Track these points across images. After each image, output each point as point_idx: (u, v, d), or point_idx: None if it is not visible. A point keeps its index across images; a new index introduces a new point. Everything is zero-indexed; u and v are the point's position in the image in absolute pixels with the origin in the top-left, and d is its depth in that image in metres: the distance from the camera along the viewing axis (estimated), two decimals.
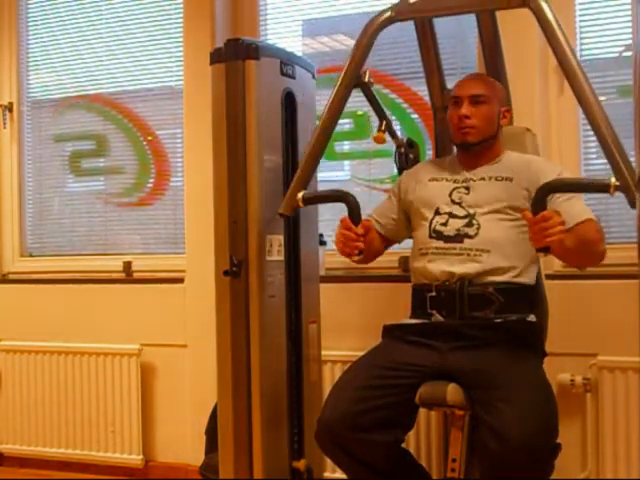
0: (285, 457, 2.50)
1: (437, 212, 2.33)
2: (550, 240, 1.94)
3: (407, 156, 2.70)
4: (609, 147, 1.98)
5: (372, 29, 2.32)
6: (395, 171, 2.77)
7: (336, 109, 2.34)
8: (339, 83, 2.34)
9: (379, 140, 2.63)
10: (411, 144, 2.73)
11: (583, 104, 2.05)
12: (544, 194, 1.99)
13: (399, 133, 2.76)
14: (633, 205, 1.89)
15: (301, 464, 2.51)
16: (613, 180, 1.93)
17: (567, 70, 2.08)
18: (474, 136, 2.32)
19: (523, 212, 2.03)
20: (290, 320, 2.53)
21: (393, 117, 2.74)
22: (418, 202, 2.39)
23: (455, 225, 2.28)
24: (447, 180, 2.38)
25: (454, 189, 2.34)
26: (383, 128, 2.63)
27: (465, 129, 2.31)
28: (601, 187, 2.00)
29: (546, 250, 1.99)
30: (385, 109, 2.65)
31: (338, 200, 2.32)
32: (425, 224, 2.34)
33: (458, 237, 2.27)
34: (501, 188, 2.28)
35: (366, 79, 2.50)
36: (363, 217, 2.28)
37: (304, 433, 2.54)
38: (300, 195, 2.32)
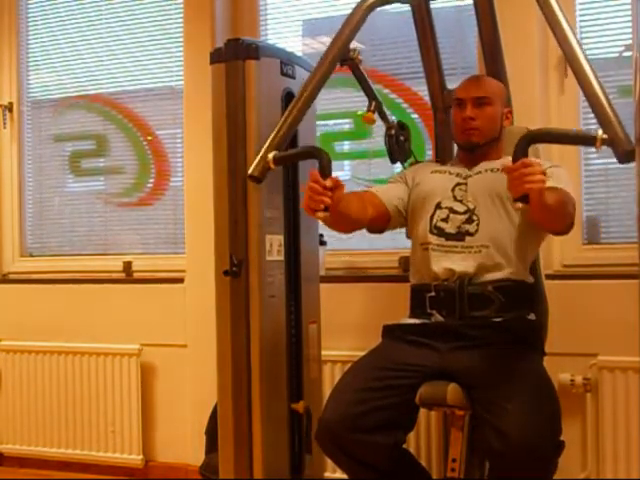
0: (285, 457, 2.50)
1: (438, 206, 2.32)
2: (529, 187, 1.82)
3: (397, 138, 2.66)
4: (598, 100, 1.89)
5: (365, 5, 2.28)
6: (395, 171, 2.77)
7: (319, 82, 2.27)
8: (324, 56, 2.29)
9: (368, 120, 2.59)
10: (402, 126, 2.69)
11: (570, 60, 1.98)
12: (527, 142, 1.89)
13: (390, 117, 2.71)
14: (621, 159, 1.81)
15: (299, 406, 2.50)
16: (600, 132, 1.84)
17: (555, 29, 2.01)
18: (478, 137, 2.32)
19: (504, 166, 1.92)
20: (290, 320, 2.53)
21: (393, 117, 2.73)
22: (420, 194, 2.38)
23: (456, 222, 2.28)
24: (450, 173, 2.38)
25: (456, 185, 2.33)
26: (372, 108, 2.60)
27: (469, 130, 2.31)
28: (587, 139, 1.90)
29: (524, 200, 1.86)
30: (374, 89, 2.62)
31: (310, 156, 2.22)
32: (426, 217, 2.33)
33: (459, 235, 2.27)
34: (496, 179, 2.26)
35: (355, 56, 2.47)
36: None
37: (304, 433, 2.54)
38: (271, 155, 2.21)
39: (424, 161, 2.69)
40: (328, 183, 2.00)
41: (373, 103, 2.60)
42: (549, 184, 1.96)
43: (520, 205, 1.86)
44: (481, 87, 2.35)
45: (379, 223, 2.40)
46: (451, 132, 2.42)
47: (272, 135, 2.24)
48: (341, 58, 2.39)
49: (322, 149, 2.18)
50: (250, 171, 2.23)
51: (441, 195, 2.33)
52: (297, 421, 2.53)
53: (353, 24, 2.29)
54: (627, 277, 2.42)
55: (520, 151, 1.86)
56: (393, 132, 2.66)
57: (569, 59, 1.98)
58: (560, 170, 2.27)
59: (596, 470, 2.69)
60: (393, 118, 2.71)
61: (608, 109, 1.86)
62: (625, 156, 1.80)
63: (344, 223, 2.29)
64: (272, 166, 2.21)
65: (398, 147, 2.65)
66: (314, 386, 2.65)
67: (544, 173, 1.85)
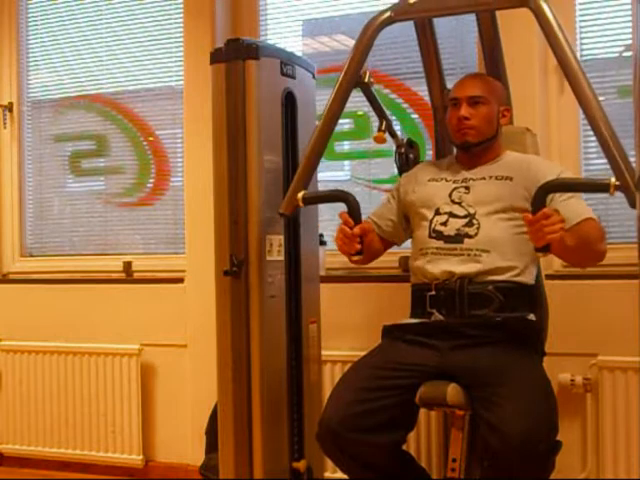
0: (285, 457, 2.50)
1: (437, 212, 2.33)
2: (550, 238, 1.94)
3: (407, 156, 2.70)
4: (609, 147, 1.97)
5: (372, 29, 2.32)
6: (395, 171, 2.77)
7: (336, 109, 2.34)
8: (339, 83, 2.34)
9: (379, 140, 2.64)
10: (411, 144, 2.73)
11: (583, 104, 2.04)
12: (544, 193, 1.99)
13: (399, 133, 2.76)
14: (633, 205, 1.89)
15: (301, 465, 2.50)
16: (613, 180, 1.93)
17: (567, 70, 2.08)
18: (473, 136, 2.32)
19: (523, 214, 2.03)
20: (290, 320, 2.53)
21: (393, 117, 2.73)
22: (418, 202, 2.39)
23: (455, 225, 2.28)
24: (447, 180, 2.38)
25: (454, 189, 2.34)
26: (383, 128, 2.64)
27: (464, 130, 2.32)
28: (601, 187, 2.00)
29: (546, 249, 1.98)
30: (385, 109, 2.66)
31: (338, 200, 2.32)
32: (425, 224, 2.34)
33: (458, 237, 2.27)
34: (501, 187, 2.28)
35: (366, 79, 2.51)
36: (363, 218, 2.28)
37: (304, 433, 2.54)
38: (300, 195, 2.32)
39: (420, 162, 2.69)
40: (356, 231, 2.18)
41: (384, 123, 2.64)
42: (569, 221, 2.08)
43: (542, 255, 2.05)
44: (476, 86, 2.35)
45: (388, 246, 2.54)
46: (447, 133, 2.43)
47: (298, 172, 2.36)
48: (355, 82, 2.42)
49: (350, 194, 2.29)
50: (281, 210, 2.37)
51: (439, 201, 2.34)
52: (297, 421, 2.53)
53: (362, 48, 2.34)
54: (627, 277, 2.43)
55: (538, 202, 1.98)
56: (403, 150, 2.70)
57: (583, 106, 2.05)
58: (573, 200, 2.23)
59: (596, 470, 2.70)
60: (403, 136, 2.76)
61: (618, 156, 1.95)
62: (635, 203, 1.88)
63: (372, 259, 2.49)
64: (301, 205, 2.34)
65: (407, 165, 2.69)
66: (314, 387, 2.65)
67: (563, 221, 1.96)
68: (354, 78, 2.37)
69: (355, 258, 2.23)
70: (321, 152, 2.37)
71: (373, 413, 2.13)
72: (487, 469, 2.06)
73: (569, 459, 2.65)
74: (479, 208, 2.28)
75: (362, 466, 2.18)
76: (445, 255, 2.27)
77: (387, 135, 2.66)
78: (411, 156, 2.71)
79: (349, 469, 2.22)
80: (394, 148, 2.72)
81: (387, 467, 2.20)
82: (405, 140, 2.72)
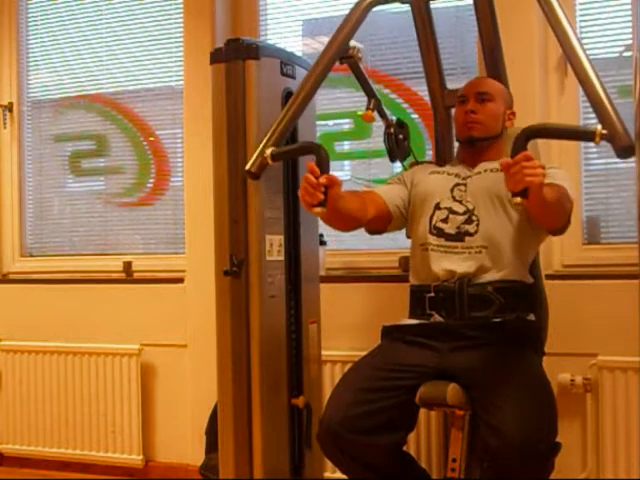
0: (285, 457, 2.50)
1: (437, 207, 2.32)
2: (531, 180, 1.79)
3: (397, 136, 2.66)
4: (597, 96, 1.89)
5: (365, 4, 2.29)
6: (395, 171, 2.77)
7: (317, 79, 2.30)
8: (323, 53, 2.31)
9: (367, 118, 2.59)
10: (401, 124, 2.68)
11: (570, 58, 1.98)
12: (525, 137, 1.86)
13: (388, 114, 2.70)
14: (620, 154, 1.81)
15: (300, 401, 2.50)
16: (599, 128, 1.84)
17: (556, 27, 2.01)
18: (479, 131, 2.32)
19: (501, 161, 1.87)
20: (290, 320, 2.53)
21: (392, 116, 2.73)
22: (419, 195, 2.38)
23: (455, 222, 2.28)
24: (448, 174, 2.38)
25: (455, 185, 2.33)
26: (372, 106, 2.60)
27: (470, 124, 2.32)
28: (586, 134, 1.91)
29: (524, 195, 1.82)
30: (374, 87, 2.62)
31: (308, 152, 2.22)
32: (425, 219, 2.33)
33: (459, 235, 2.27)
34: (495, 178, 2.26)
35: (354, 53, 2.47)
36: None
37: (304, 428, 2.54)
38: (269, 151, 2.23)
39: (423, 162, 2.69)
40: (322, 180, 2.00)
41: (372, 101, 2.60)
42: (547, 181, 1.94)
43: (519, 200, 1.83)
44: (484, 84, 2.38)
45: (379, 223, 2.40)
46: (453, 131, 2.43)
47: (270, 131, 2.26)
48: (340, 56, 2.39)
49: (320, 145, 2.19)
50: (248, 167, 2.25)
51: (440, 196, 2.33)
52: (297, 421, 2.53)
53: (352, 22, 2.31)
54: (627, 277, 2.43)
55: (519, 146, 1.83)
56: (392, 130, 2.66)
57: (569, 57, 1.98)
58: (558, 170, 2.27)
59: (596, 470, 2.69)
60: (392, 117, 2.71)
61: (607, 105, 1.86)
62: (624, 151, 1.80)
63: (342, 221, 2.27)
64: (270, 162, 2.22)
65: (397, 146, 2.65)
66: (314, 386, 2.65)
67: (543, 167, 1.83)
68: (339, 51, 2.34)
69: (317, 210, 2.03)
70: (297, 116, 2.30)
71: (373, 414, 2.12)
72: (487, 470, 2.06)
73: (569, 459, 2.65)
74: (477, 201, 2.27)
75: (362, 467, 2.17)
76: (445, 253, 2.27)
77: (376, 114, 2.61)
78: (400, 136, 2.66)
79: (349, 470, 2.22)
80: (383, 128, 2.68)
81: (387, 468, 2.20)
82: (394, 120, 2.69)
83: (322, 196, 2.01)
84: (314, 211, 2.03)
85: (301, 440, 2.54)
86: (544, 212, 2.08)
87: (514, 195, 1.83)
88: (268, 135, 2.26)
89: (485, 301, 2.22)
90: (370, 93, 2.60)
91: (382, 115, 2.66)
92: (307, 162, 2.08)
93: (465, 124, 2.33)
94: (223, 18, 3.29)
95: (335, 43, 2.31)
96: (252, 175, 2.27)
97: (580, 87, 1.98)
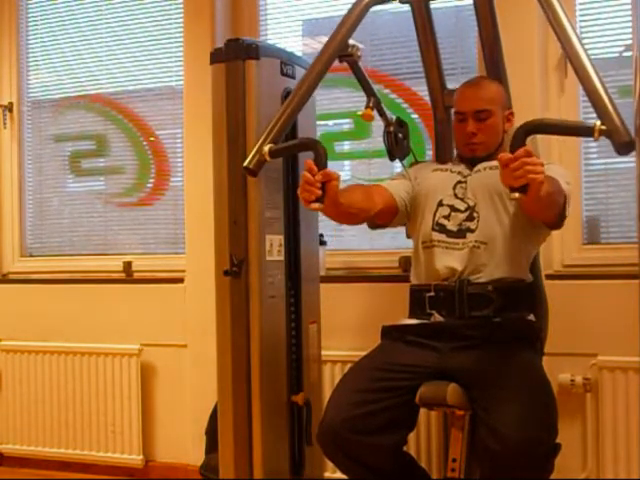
0: (285, 457, 2.50)
1: (440, 204, 2.32)
2: (532, 177, 1.77)
3: (396, 135, 2.65)
4: (596, 92, 1.89)
5: (364, 3, 2.29)
6: (395, 171, 2.77)
7: (315, 77, 2.29)
8: (322, 51, 2.31)
9: (367, 117, 2.59)
10: (400, 123, 2.68)
11: (570, 55, 1.97)
12: (524, 133, 1.84)
13: (388, 112, 2.70)
14: (620, 150, 1.81)
15: (299, 398, 2.50)
16: (598, 123, 1.83)
17: (557, 28, 2.01)
18: (482, 150, 2.33)
19: (500, 155, 1.84)
20: (290, 320, 2.53)
21: (392, 115, 2.73)
22: (422, 192, 2.38)
23: (457, 219, 2.28)
24: (451, 172, 2.38)
25: (457, 182, 2.33)
26: (371, 105, 2.59)
27: (472, 146, 2.32)
28: (585, 130, 1.89)
29: (523, 190, 1.80)
30: (372, 86, 2.62)
31: (306, 149, 2.22)
32: (429, 215, 2.33)
33: (461, 232, 2.27)
34: (495, 175, 2.24)
35: (353, 52, 2.46)
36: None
37: (304, 424, 2.54)
38: (267, 148, 2.22)
39: (424, 161, 2.69)
40: (318, 177, 1.99)
41: (372, 100, 2.59)
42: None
43: (517, 195, 1.82)
44: (480, 98, 2.32)
45: (385, 217, 2.38)
46: (453, 139, 2.43)
47: (268, 128, 2.26)
48: (339, 54, 2.38)
49: (317, 141, 2.18)
50: (245, 163, 2.24)
51: (442, 193, 2.33)
52: (297, 421, 2.53)
53: (351, 21, 2.31)
54: (627, 277, 2.42)
55: (518, 141, 1.81)
56: (392, 129, 2.65)
57: (568, 54, 1.98)
58: (555, 165, 2.26)
59: (596, 470, 2.69)
60: (392, 115, 2.71)
61: (607, 101, 1.85)
62: (623, 147, 1.79)
63: (348, 214, 2.23)
64: (267, 158, 2.21)
65: (397, 145, 2.65)
66: (314, 386, 2.65)
67: (542, 165, 1.81)
68: (338, 49, 2.34)
69: (315, 205, 2.02)
70: (295, 113, 2.29)
71: (374, 415, 2.13)
72: (486, 470, 2.06)
73: (569, 459, 2.65)
74: (478, 198, 2.27)
75: (362, 467, 2.17)
76: (447, 249, 2.27)
77: (376, 113, 2.61)
78: (400, 135, 2.65)
79: (349, 470, 2.22)
80: (383, 128, 2.67)
81: (388, 468, 2.20)
82: (394, 119, 2.68)
83: (319, 192, 2.00)
84: (312, 207, 2.02)
85: (301, 440, 2.54)
86: (536, 206, 2.07)
87: (512, 190, 1.81)
88: (266, 132, 2.25)
89: (485, 300, 2.22)
90: (369, 92, 2.60)
91: (381, 114, 2.66)
92: (305, 160, 2.07)
93: (466, 145, 2.33)
94: (223, 18, 3.29)
95: (334, 41, 2.31)
96: (250, 172, 2.26)
97: (580, 87, 1.98)
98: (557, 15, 2.01)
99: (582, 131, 1.98)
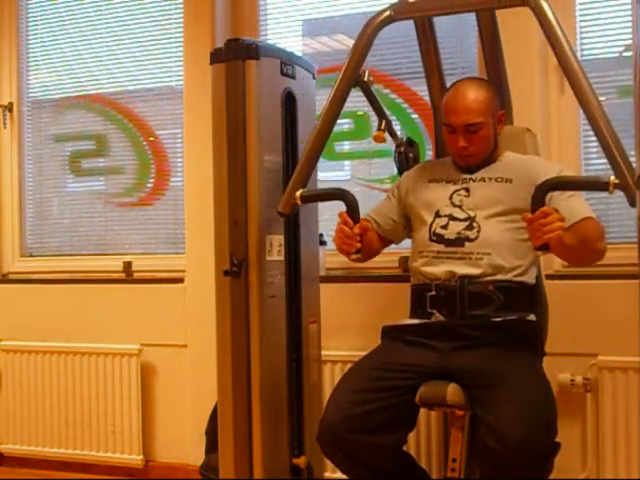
0: (285, 457, 2.50)
1: (437, 214, 2.32)
2: (548, 237, 1.94)
3: (407, 155, 2.70)
4: (609, 146, 1.97)
5: (371, 29, 2.31)
6: (395, 171, 2.77)
7: (335, 109, 2.34)
8: (338, 82, 2.34)
9: (379, 139, 2.63)
10: (411, 143, 2.73)
11: (583, 103, 2.04)
12: (543, 192, 1.99)
13: (399, 133, 2.76)
14: (633, 204, 1.88)
15: (301, 461, 2.50)
16: (612, 178, 1.93)
17: (567, 69, 2.07)
18: (476, 160, 2.32)
19: (523, 214, 2.02)
20: (290, 320, 2.53)
21: (393, 117, 2.73)
22: (418, 204, 2.39)
23: (455, 228, 2.28)
24: (447, 182, 2.37)
25: (454, 192, 2.33)
26: (383, 127, 2.63)
27: (465, 158, 2.32)
28: (600, 185, 2.00)
29: (545, 248, 1.98)
30: (385, 108, 2.65)
31: (336, 198, 2.32)
32: (425, 227, 2.33)
33: (459, 241, 2.26)
34: (501, 190, 2.28)
35: (365, 78, 2.50)
36: (362, 215, 2.28)
37: (304, 433, 2.54)
38: (298, 193, 2.31)
39: (421, 162, 2.69)
40: (356, 230, 2.18)
41: (383, 122, 2.64)
42: (569, 220, 2.07)
43: (541, 253, 2.06)
44: (470, 111, 2.26)
45: (386, 244, 2.53)
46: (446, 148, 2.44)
47: (297, 171, 2.35)
48: (355, 81, 2.42)
49: (348, 192, 2.29)
50: (280, 208, 2.35)
51: (439, 204, 2.33)
52: (297, 421, 2.54)
53: (361, 46, 2.33)
54: (627, 277, 2.43)
55: (538, 200, 1.98)
56: (402, 149, 2.70)
57: (584, 108, 2.05)
58: (573, 199, 2.22)
59: (596, 470, 2.70)
60: (402, 135, 2.75)
61: (618, 155, 1.95)
62: (635, 201, 1.85)
63: (370, 257, 2.48)
64: (299, 203, 2.33)
65: (407, 164, 2.68)
66: (314, 387, 2.65)
67: (562, 220, 1.95)
68: (353, 77, 2.37)
69: (354, 257, 2.25)
70: (320, 151, 2.37)
71: (374, 414, 2.13)
72: (486, 470, 2.06)
73: (569, 459, 2.65)
74: (479, 211, 2.27)
75: (362, 467, 2.17)
76: (446, 259, 2.27)
77: (387, 134, 2.66)
78: (411, 155, 2.71)
79: (349, 470, 2.22)
80: (394, 147, 2.72)
81: (387, 468, 2.20)
82: (405, 139, 2.72)
83: (359, 245, 2.20)
84: (351, 258, 2.26)
85: (301, 441, 2.54)
86: (570, 256, 2.22)
87: (536, 249, 2.01)
88: (295, 175, 2.35)
89: (486, 299, 2.22)
90: (381, 114, 2.64)
91: (392, 135, 2.71)
92: (339, 212, 2.23)
93: (459, 156, 2.33)
94: (223, 18, 3.29)
95: (348, 71, 2.34)
96: (283, 215, 2.39)
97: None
98: (565, 53, 2.09)
99: (598, 186, 2.09)
